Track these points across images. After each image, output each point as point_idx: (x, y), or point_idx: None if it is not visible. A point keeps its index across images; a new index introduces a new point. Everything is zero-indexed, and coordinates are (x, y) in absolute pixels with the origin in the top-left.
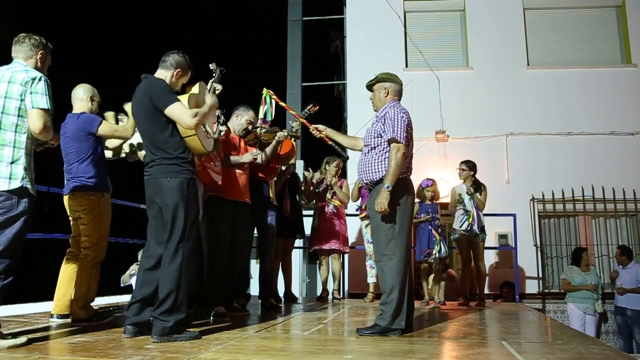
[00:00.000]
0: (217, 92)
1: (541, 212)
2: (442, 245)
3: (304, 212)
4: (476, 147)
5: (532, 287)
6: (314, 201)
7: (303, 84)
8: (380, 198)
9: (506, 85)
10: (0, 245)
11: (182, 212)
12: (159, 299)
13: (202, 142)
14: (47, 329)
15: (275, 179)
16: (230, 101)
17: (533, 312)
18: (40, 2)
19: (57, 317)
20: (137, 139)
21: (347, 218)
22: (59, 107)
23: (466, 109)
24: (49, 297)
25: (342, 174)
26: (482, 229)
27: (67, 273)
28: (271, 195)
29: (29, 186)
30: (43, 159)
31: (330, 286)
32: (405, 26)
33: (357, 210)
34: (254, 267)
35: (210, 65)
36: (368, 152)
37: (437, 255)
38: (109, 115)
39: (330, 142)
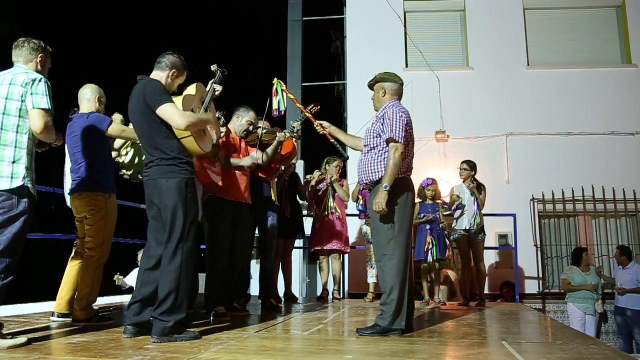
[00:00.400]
0: (216, 93)
1: (541, 212)
2: (436, 249)
3: (304, 212)
4: (476, 147)
5: (532, 287)
6: (314, 206)
7: (303, 84)
8: (378, 198)
9: (506, 85)
10: (0, 244)
11: (181, 213)
12: (159, 299)
13: (199, 143)
14: (47, 329)
15: (275, 179)
16: (230, 101)
17: (533, 312)
18: (40, 2)
19: (58, 316)
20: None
21: (347, 218)
22: (62, 107)
23: (466, 109)
24: (49, 297)
25: (342, 174)
26: (481, 229)
27: (73, 273)
28: (273, 195)
29: (29, 185)
30: (46, 160)
31: (330, 286)
32: (405, 26)
33: (357, 210)
34: (254, 267)
35: (212, 66)
36: (367, 152)
37: (431, 259)
38: (117, 117)
39: (332, 140)
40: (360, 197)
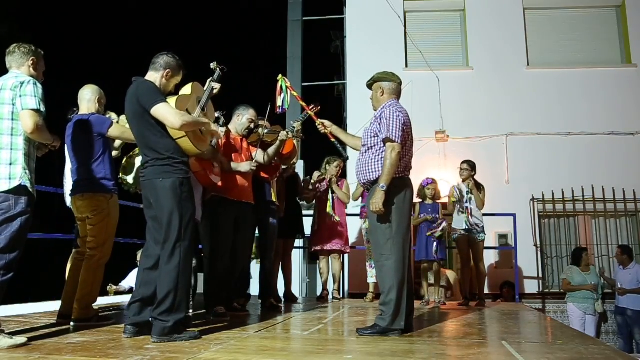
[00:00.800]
0: (215, 91)
1: (541, 212)
2: (438, 249)
3: (304, 212)
4: (476, 147)
5: (532, 287)
6: (314, 201)
7: (303, 84)
8: (375, 198)
9: (506, 85)
10: (0, 243)
11: (177, 212)
12: (158, 299)
13: (195, 143)
14: (47, 328)
15: (276, 179)
16: (230, 101)
17: (533, 312)
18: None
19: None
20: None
21: (347, 218)
22: (62, 108)
23: (466, 109)
24: (49, 297)
25: (342, 174)
26: (481, 229)
27: (77, 276)
28: (273, 195)
29: (27, 184)
30: (46, 162)
31: (331, 286)
32: (405, 26)
33: (361, 206)
34: (254, 267)
35: (212, 64)
36: (365, 152)
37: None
38: (122, 118)
39: (333, 140)
40: (361, 197)
